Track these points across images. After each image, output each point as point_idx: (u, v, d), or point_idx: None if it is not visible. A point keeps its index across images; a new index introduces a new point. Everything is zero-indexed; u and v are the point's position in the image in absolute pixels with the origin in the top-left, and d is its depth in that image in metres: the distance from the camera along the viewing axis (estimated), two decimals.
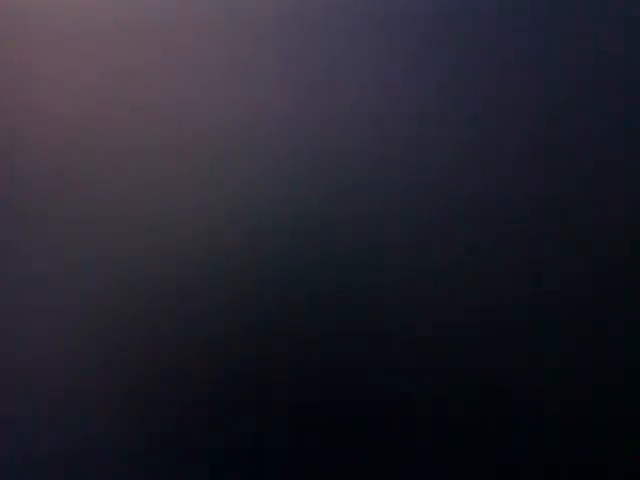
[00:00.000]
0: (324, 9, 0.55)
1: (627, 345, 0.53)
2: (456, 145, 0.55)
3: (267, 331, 0.55)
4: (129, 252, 0.55)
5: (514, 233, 0.54)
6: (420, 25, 0.55)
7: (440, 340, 0.54)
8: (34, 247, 0.56)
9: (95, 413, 0.55)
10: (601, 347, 0.54)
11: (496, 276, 0.54)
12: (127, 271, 0.55)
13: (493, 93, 0.54)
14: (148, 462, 0.55)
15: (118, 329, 0.55)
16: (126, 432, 0.55)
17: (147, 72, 0.56)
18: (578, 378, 0.54)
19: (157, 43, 0.56)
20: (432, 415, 0.54)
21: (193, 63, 0.56)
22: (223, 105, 0.55)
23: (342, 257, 0.55)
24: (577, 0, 0.55)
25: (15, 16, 0.57)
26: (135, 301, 0.55)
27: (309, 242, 0.55)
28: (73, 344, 0.55)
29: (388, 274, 0.55)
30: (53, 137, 0.56)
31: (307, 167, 0.55)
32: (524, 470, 0.54)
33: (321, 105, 0.55)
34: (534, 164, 0.54)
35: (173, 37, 0.56)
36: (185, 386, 0.55)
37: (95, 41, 0.56)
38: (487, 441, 0.54)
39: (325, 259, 0.55)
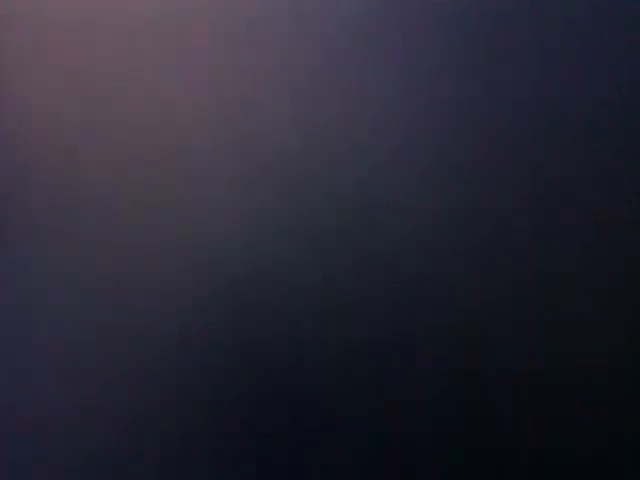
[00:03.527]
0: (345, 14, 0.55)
1: (628, 344, 0.53)
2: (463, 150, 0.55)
3: (268, 338, 0.55)
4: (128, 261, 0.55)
5: (514, 235, 0.54)
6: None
7: (440, 342, 0.54)
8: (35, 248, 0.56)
9: (94, 415, 0.55)
10: (601, 346, 0.54)
11: (496, 279, 0.54)
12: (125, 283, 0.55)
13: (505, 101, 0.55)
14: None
15: (118, 328, 0.55)
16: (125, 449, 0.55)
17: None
18: (577, 377, 0.54)
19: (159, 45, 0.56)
20: (432, 416, 0.54)
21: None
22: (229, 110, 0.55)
23: (343, 266, 0.55)
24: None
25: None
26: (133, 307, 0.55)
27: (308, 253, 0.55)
28: (74, 341, 0.55)
29: (388, 278, 0.54)
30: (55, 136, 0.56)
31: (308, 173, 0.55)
32: (524, 470, 0.54)
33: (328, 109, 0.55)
34: (534, 165, 0.54)
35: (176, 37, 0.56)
36: (183, 390, 0.55)
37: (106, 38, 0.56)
38: (486, 442, 0.54)
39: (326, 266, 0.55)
